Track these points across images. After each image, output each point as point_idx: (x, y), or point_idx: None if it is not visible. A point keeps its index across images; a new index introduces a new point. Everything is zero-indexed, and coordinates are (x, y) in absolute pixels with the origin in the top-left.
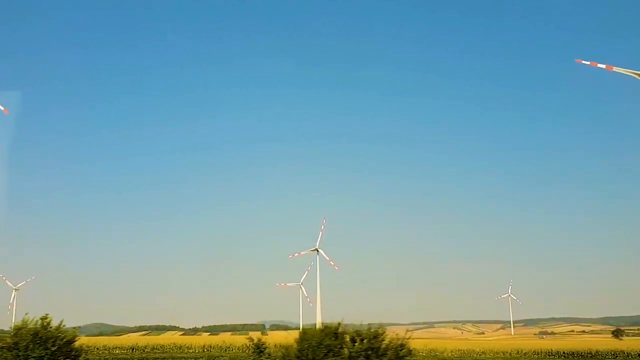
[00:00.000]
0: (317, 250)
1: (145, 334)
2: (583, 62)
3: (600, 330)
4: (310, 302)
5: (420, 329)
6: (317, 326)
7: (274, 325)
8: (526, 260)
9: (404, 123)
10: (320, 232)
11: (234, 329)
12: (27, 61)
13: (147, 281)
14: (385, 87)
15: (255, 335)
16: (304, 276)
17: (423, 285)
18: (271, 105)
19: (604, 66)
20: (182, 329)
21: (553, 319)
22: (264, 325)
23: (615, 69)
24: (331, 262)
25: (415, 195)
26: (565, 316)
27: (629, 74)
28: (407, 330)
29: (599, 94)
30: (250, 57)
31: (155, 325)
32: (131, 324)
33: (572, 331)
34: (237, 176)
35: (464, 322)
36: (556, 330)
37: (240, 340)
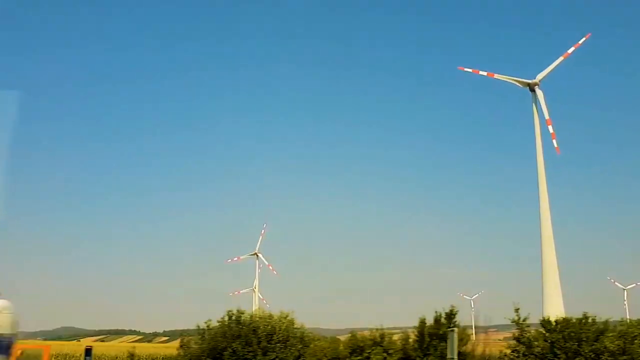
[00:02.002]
0: (257, 255)
1: (102, 339)
2: (465, 69)
3: None
4: (267, 305)
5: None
6: None
7: None
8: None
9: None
10: (261, 237)
11: (195, 333)
12: (26, 62)
13: (111, 284)
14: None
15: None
16: (256, 282)
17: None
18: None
19: (485, 73)
20: (142, 334)
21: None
22: None
23: (496, 76)
24: (270, 267)
25: (371, 198)
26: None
27: (510, 80)
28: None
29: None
30: (252, 61)
31: (115, 330)
32: (96, 327)
33: None
34: (206, 181)
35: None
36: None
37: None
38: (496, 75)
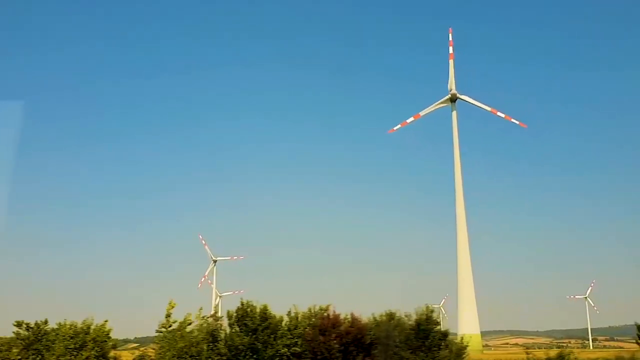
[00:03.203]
0: (215, 261)
1: None
2: (395, 129)
3: (542, 343)
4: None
5: None
6: None
7: None
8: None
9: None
10: (205, 246)
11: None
12: (27, 70)
13: (81, 288)
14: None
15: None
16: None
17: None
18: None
19: (412, 118)
20: (113, 340)
21: (498, 331)
22: None
23: (422, 113)
24: (234, 258)
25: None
26: (510, 329)
27: (435, 108)
28: None
29: None
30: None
31: None
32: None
33: (507, 344)
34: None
35: None
36: (491, 343)
37: None
38: (422, 113)
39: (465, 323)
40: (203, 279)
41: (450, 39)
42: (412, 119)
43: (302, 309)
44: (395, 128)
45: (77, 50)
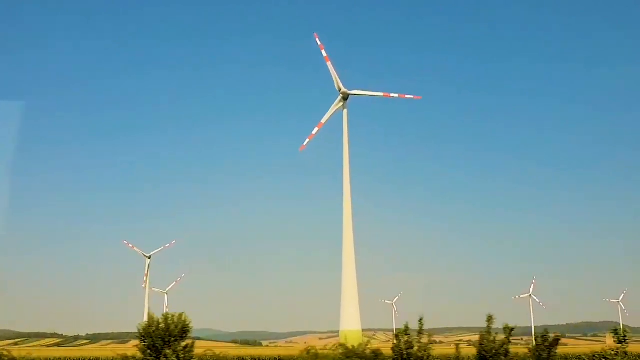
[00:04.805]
0: (149, 257)
1: (16, 343)
2: (304, 145)
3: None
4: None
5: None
6: None
7: None
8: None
9: None
10: (134, 248)
11: (118, 337)
12: (29, 66)
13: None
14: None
15: None
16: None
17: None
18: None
19: (317, 129)
20: (63, 337)
21: (456, 328)
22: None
23: (324, 120)
24: (167, 246)
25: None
26: (469, 326)
27: (333, 112)
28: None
29: None
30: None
31: (35, 333)
32: (15, 329)
33: (460, 340)
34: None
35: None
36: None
37: None
38: (324, 120)
39: (347, 319)
40: (145, 278)
41: (320, 43)
42: (316, 129)
43: None
44: (304, 144)
45: (79, 53)
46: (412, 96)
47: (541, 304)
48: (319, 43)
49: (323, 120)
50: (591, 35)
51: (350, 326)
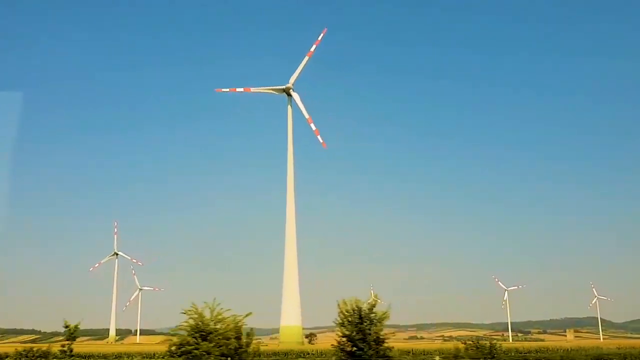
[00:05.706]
0: (117, 254)
1: None
2: (223, 90)
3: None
4: None
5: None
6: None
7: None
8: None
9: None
10: (115, 236)
11: (96, 333)
12: (27, 62)
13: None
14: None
15: None
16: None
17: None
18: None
19: (242, 89)
20: (42, 333)
21: (444, 324)
22: (130, 330)
23: (253, 89)
24: (134, 260)
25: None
26: (456, 321)
27: (266, 91)
28: None
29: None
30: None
31: (13, 329)
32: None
33: (442, 336)
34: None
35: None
36: (430, 335)
37: None
38: (253, 89)
39: (287, 315)
40: (97, 265)
41: (319, 38)
42: (242, 90)
43: None
44: (224, 90)
45: (78, 47)
46: (321, 140)
47: (504, 301)
48: (319, 38)
49: (252, 90)
50: (591, 28)
51: (291, 322)
